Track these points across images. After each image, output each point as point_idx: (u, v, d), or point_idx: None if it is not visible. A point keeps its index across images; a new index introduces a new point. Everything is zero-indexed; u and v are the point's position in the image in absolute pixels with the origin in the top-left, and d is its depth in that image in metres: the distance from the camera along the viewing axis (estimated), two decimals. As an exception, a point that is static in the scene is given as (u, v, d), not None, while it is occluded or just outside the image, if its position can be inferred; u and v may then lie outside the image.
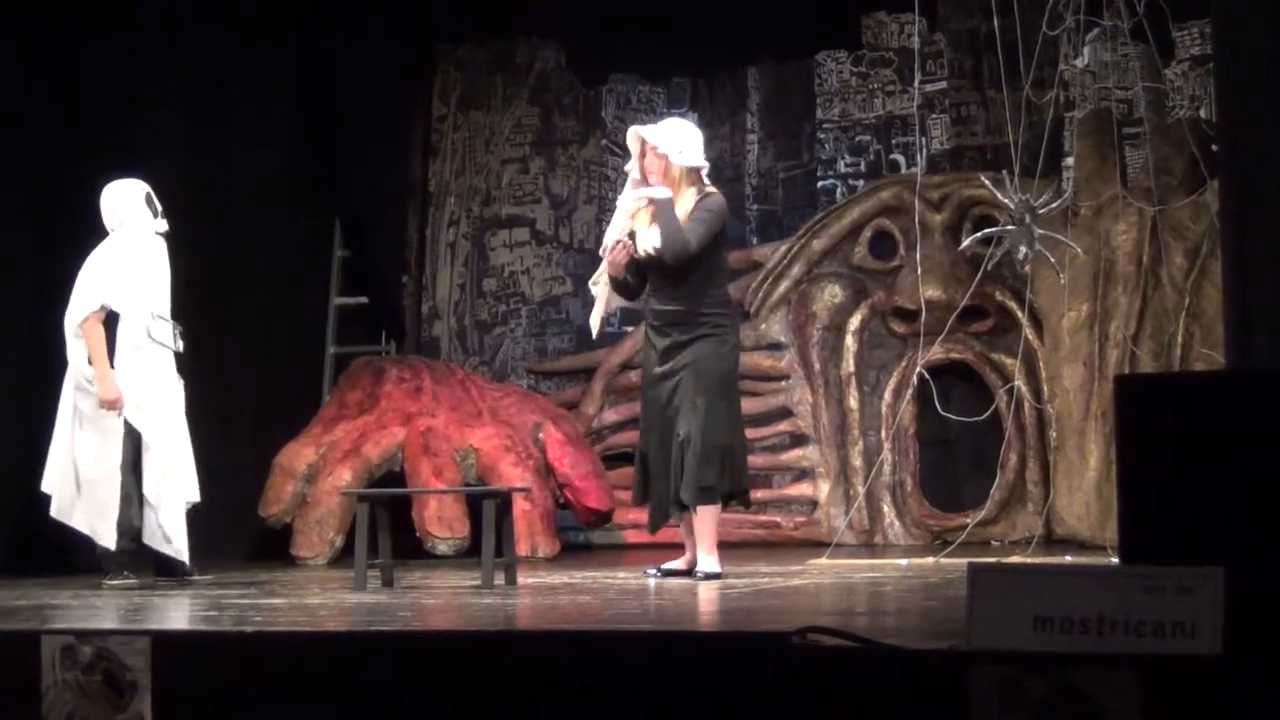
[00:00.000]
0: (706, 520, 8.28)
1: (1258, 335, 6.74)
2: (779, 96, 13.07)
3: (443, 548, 10.49)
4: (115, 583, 8.44)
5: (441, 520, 10.52)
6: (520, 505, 10.20)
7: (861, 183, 12.53)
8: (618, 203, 8.76)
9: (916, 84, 11.54)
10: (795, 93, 13.00)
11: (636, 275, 8.56)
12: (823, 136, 12.80)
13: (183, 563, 8.74)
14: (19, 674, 4.72)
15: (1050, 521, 10.79)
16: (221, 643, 5.16)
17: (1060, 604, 3.92)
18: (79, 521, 8.71)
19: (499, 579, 7.93)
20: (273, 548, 10.67)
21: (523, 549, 10.19)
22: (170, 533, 8.70)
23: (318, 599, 7.51)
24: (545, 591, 7.69)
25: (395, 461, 11.01)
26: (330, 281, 12.84)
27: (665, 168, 8.40)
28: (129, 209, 8.92)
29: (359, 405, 11.43)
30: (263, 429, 11.37)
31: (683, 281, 8.38)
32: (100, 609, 6.72)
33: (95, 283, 8.74)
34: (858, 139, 12.72)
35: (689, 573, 8.35)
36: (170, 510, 8.72)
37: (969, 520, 10.72)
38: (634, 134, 8.57)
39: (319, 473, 10.84)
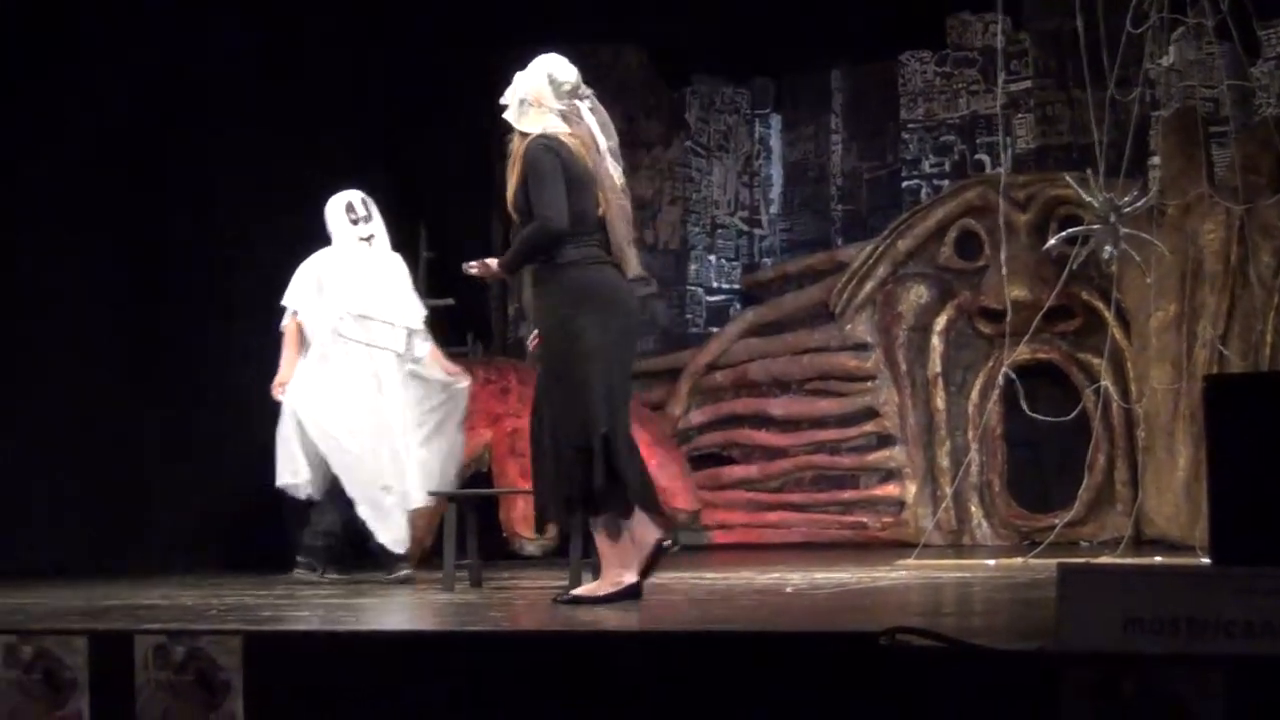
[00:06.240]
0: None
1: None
2: (863, 97, 13.07)
3: (530, 549, 10.53)
4: (296, 573, 8.86)
5: (529, 521, 10.54)
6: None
7: (946, 183, 12.51)
8: None
9: (1001, 83, 11.50)
10: (879, 93, 12.99)
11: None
12: (907, 137, 12.78)
13: (387, 554, 8.96)
14: (113, 674, 4.76)
15: (1139, 522, 10.73)
16: (313, 642, 5.20)
17: (1151, 605, 3.92)
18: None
19: (587, 580, 7.95)
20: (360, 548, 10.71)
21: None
22: (371, 526, 8.93)
23: (407, 598, 7.57)
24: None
25: (483, 462, 11.05)
26: (418, 283, 12.88)
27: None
28: (332, 221, 9.31)
29: (446, 407, 11.47)
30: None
31: None
32: (193, 609, 6.78)
33: (289, 291, 9.19)
34: (942, 139, 12.70)
35: None
36: (365, 507, 8.94)
37: (1057, 521, 10.68)
38: None
39: (407, 474, 10.88)
